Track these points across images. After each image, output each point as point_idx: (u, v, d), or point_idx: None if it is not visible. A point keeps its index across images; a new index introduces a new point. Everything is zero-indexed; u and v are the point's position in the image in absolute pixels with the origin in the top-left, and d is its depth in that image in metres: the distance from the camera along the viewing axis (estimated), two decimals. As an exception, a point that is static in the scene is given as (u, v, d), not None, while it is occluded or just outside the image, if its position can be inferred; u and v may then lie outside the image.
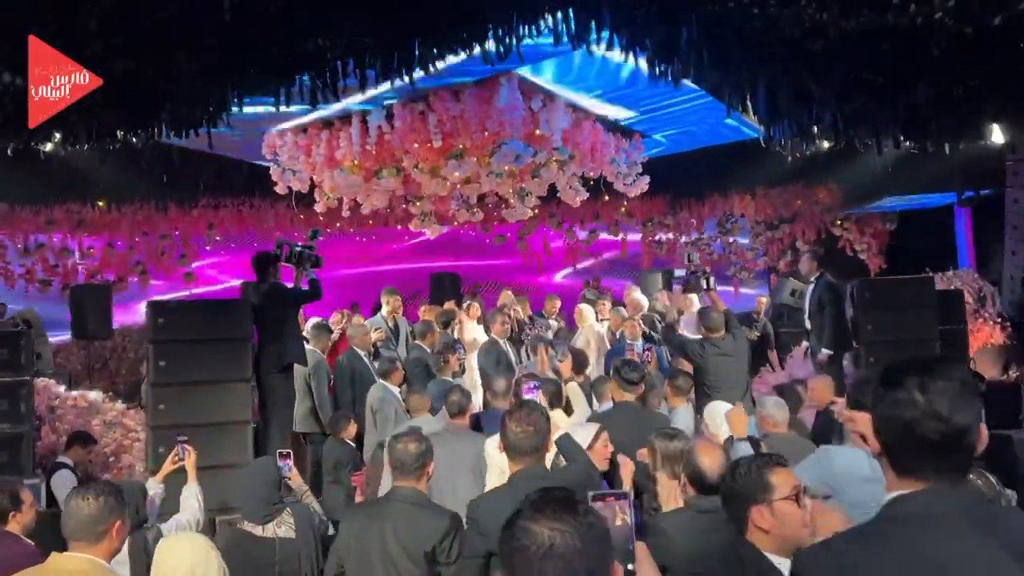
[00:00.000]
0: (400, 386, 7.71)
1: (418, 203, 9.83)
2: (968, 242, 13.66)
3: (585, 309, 10.27)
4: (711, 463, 3.71)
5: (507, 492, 3.53)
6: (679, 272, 8.27)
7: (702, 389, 6.94)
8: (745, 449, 4.36)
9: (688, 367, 7.28)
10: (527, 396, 4.66)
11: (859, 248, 15.08)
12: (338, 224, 14.85)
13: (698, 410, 6.76)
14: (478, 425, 6.17)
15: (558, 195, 9.74)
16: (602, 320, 10.29)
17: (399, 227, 14.80)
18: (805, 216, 15.30)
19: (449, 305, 10.30)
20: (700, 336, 7.17)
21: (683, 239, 15.87)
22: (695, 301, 9.05)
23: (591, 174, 9.48)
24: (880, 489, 4.00)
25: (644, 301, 10.21)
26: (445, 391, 6.07)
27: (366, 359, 8.58)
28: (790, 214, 15.35)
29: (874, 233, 15.11)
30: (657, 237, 15.94)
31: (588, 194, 9.60)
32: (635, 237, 16.11)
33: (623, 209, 15.10)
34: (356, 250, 16.88)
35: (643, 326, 9.30)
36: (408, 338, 9.48)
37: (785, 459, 2.97)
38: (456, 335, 9.53)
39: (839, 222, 15.23)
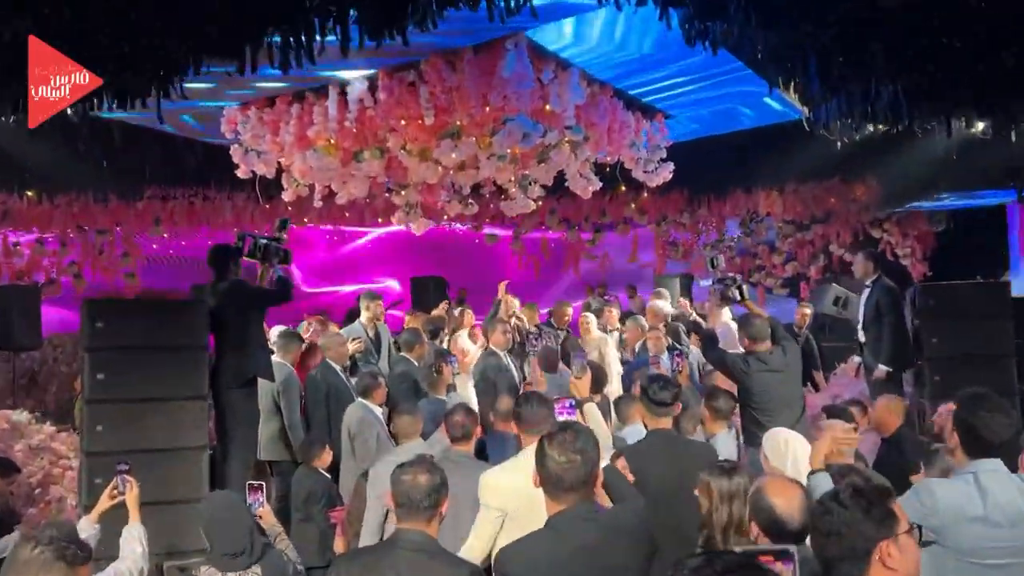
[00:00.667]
0: (382, 405, 7.29)
1: (403, 192, 9.32)
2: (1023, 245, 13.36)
3: (589, 319, 9.88)
4: (788, 505, 3.36)
5: (546, 538, 3.11)
6: (704, 282, 7.99)
7: (748, 412, 6.55)
8: (824, 482, 3.95)
9: (726, 384, 6.89)
10: (563, 417, 4.27)
11: (901, 253, 14.74)
12: (305, 219, 14.37)
13: (748, 439, 6.36)
14: (482, 451, 5.78)
15: (565, 184, 9.21)
16: (610, 331, 9.91)
17: (380, 220, 14.36)
18: (840, 216, 14.89)
19: (439, 311, 9.88)
20: (743, 349, 6.78)
21: (701, 240, 15.53)
22: (726, 313, 8.67)
23: (607, 159, 9.02)
24: (994, 533, 3.65)
25: (667, 308, 9.84)
26: (442, 411, 5.67)
27: (342, 374, 8.15)
28: (823, 213, 14.93)
29: (918, 235, 14.75)
30: (672, 238, 15.58)
31: (601, 184, 9.12)
32: (647, 237, 15.80)
33: (634, 205, 14.62)
34: (325, 250, 16.47)
35: (668, 338, 8.91)
36: (391, 349, 9.06)
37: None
38: (447, 347, 9.13)
39: (879, 223, 14.86)
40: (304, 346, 8.53)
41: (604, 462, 4.09)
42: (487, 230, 16.10)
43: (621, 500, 3.64)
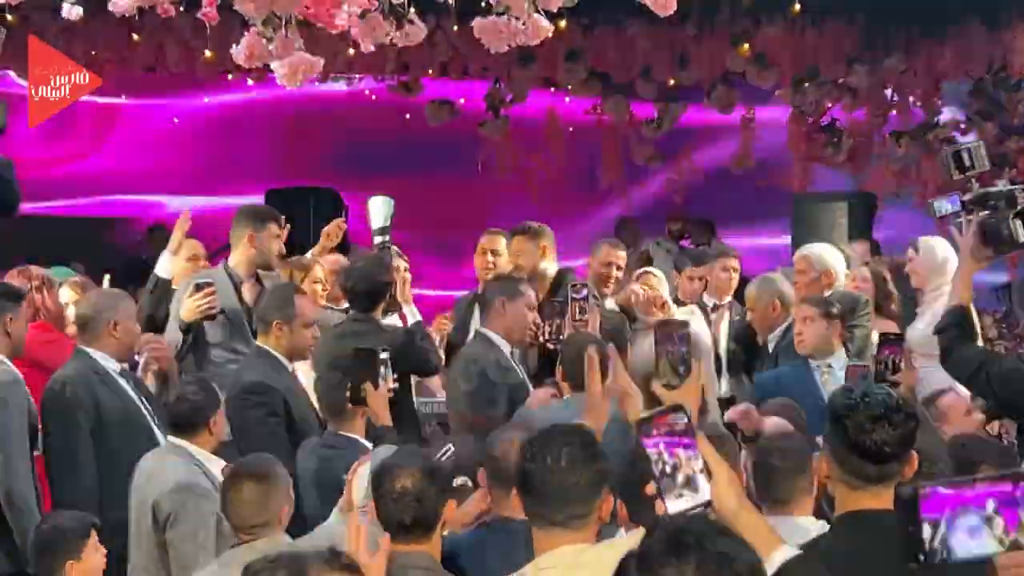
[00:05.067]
0: (222, 450, 3.72)
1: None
2: None
3: (655, 278, 5.51)
4: None
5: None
6: (946, 203, 3.75)
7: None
8: None
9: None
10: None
11: None
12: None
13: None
14: (452, 559, 2.82)
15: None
16: (718, 307, 5.69)
17: (207, 57, 7.89)
18: None
19: (321, 250, 5.59)
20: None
21: (889, 127, 8.95)
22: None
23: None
24: None
25: (837, 264, 5.33)
26: (352, 460, 3.10)
27: (124, 383, 4.03)
28: None
29: None
30: (828, 119, 8.96)
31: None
32: (774, 116, 9.15)
33: (747, 46, 8.35)
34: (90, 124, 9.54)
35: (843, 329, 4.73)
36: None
37: None
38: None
39: None
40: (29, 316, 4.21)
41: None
42: (430, 92, 9.14)
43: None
